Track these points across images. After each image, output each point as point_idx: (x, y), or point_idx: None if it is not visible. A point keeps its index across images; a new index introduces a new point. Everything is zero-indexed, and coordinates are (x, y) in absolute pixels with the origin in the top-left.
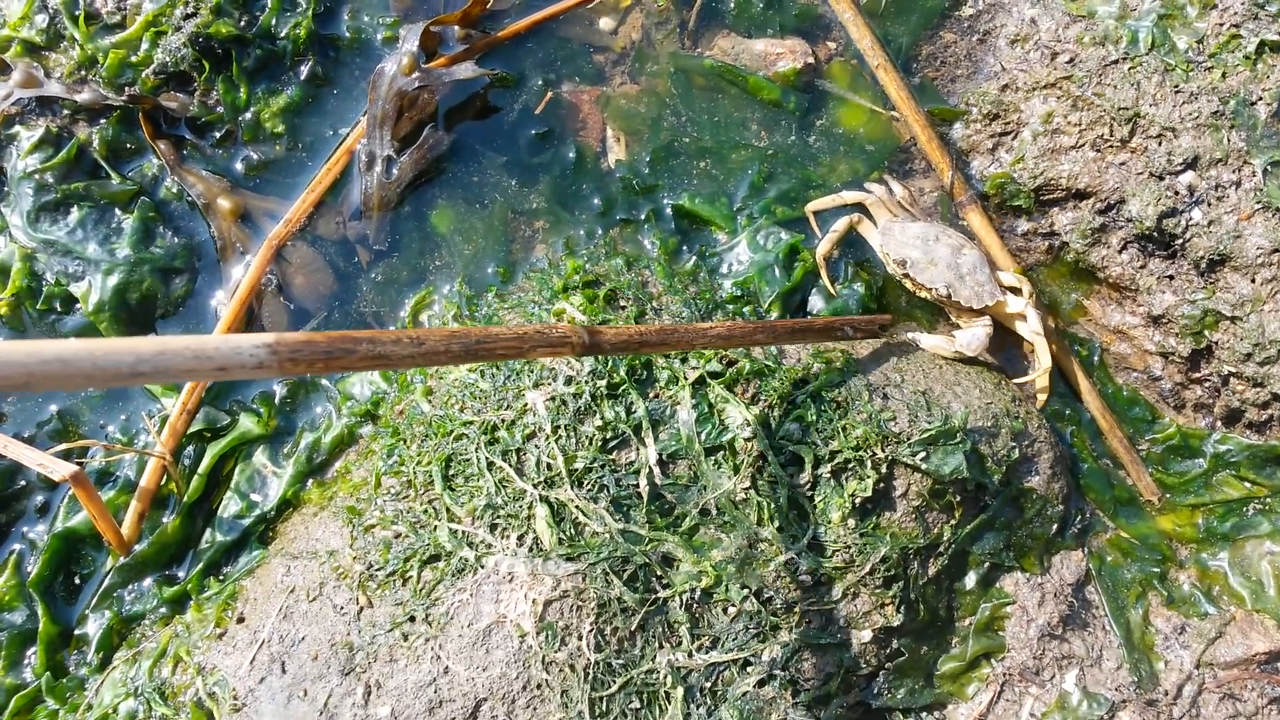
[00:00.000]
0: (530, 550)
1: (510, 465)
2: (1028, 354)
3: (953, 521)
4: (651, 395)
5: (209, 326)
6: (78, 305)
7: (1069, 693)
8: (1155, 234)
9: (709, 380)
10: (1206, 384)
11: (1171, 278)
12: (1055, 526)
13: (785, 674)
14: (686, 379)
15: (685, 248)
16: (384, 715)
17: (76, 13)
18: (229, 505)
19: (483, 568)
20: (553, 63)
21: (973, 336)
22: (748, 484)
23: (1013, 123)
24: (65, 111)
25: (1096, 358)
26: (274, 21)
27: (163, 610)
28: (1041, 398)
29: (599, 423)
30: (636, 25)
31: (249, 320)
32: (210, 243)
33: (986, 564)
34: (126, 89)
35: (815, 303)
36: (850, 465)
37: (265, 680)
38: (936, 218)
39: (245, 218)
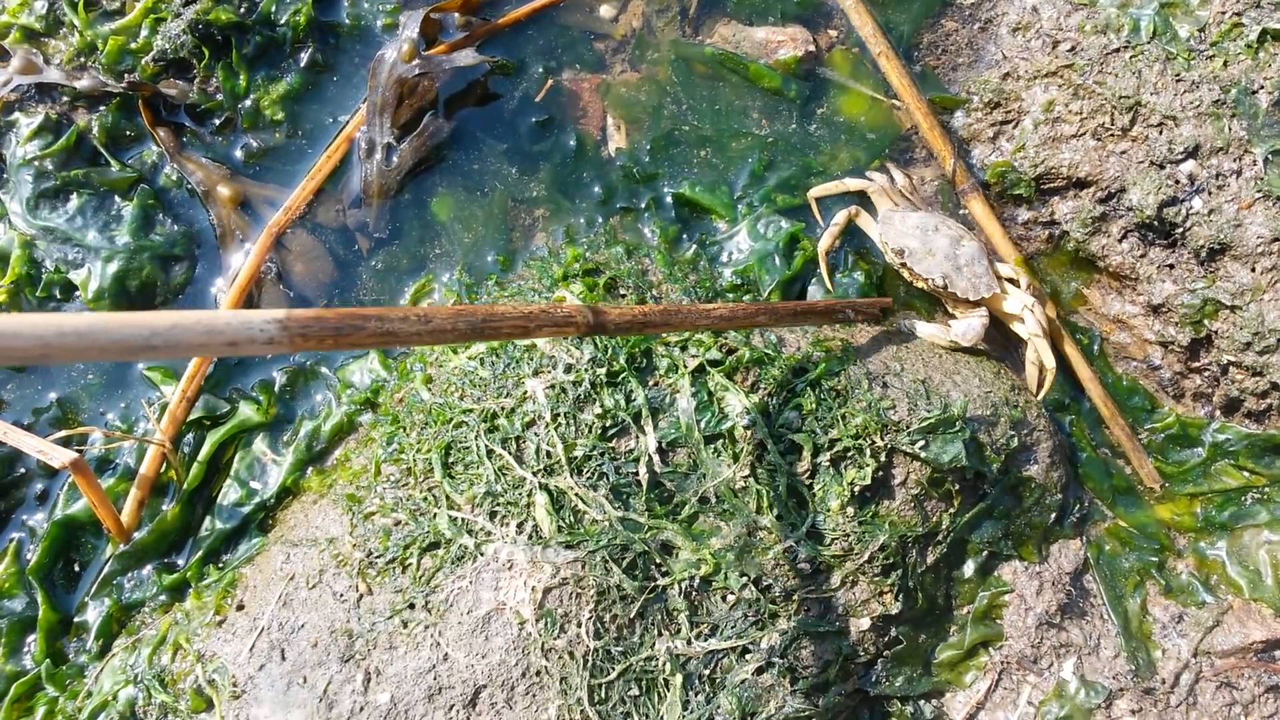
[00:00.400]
0: (530, 538)
1: (510, 453)
2: (1023, 353)
3: (951, 510)
4: (651, 383)
5: None
6: (77, 293)
7: (1067, 681)
8: (1156, 223)
9: (708, 368)
10: (1206, 373)
11: (1172, 267)
12: (1054, 515)
13: (784, 661)
14: (686, 367)
15: (685, 236)
16: (383, 702)
17: None
18: (229, 493)
19: (482, 555)
20: (553, 50)
21: (968, 327)
22: (747, 472)
23: (1014, 111)
24: (65, 98)
25: (1096, 347)
26: (274, 8)
27: (162, 598)
28: (1040, 395)
29: (599, 410)
30: (637, 12)
31: (248, 308)
32: (210, 230)
33: (985, 552)
34: (126, 76)
35: (815, 292)
36: (849, 453)
37: (265, 667)
38: (937, 207)
39: (245, 205)
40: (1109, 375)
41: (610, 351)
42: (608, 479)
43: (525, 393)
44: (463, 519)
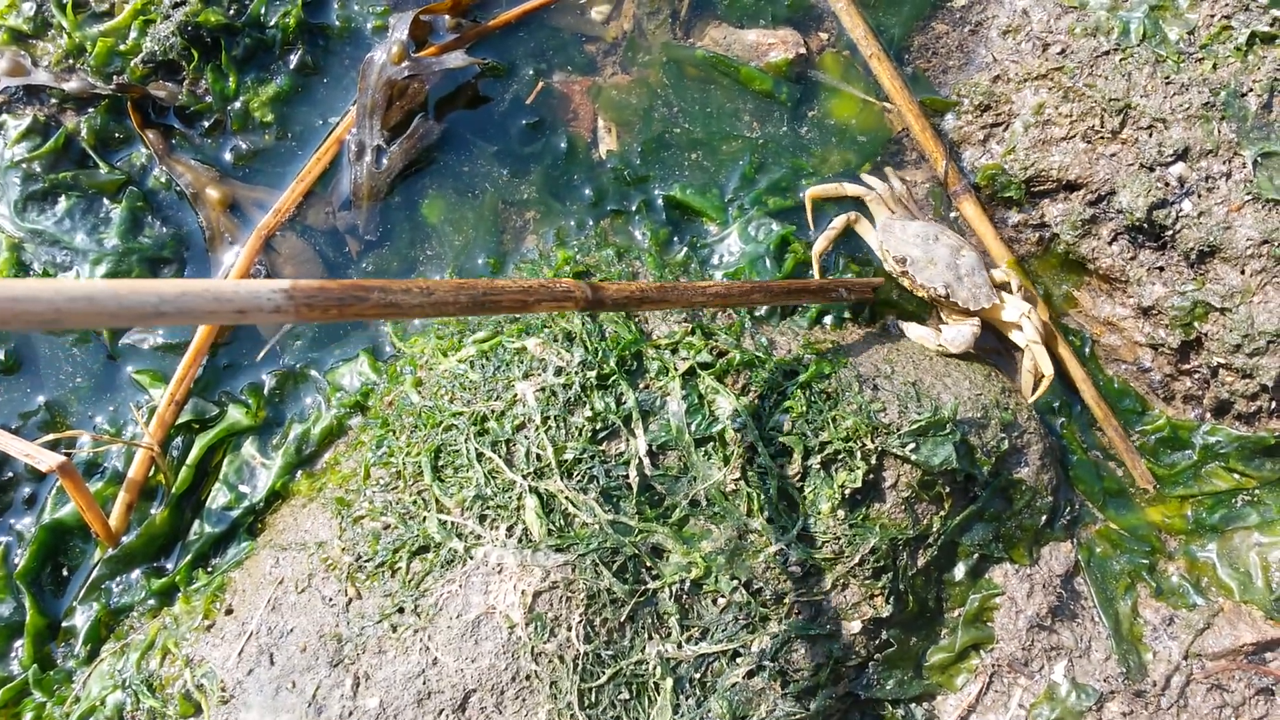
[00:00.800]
0: (519, 541)
1: (500, 456)
2: (1019, 360)
3: (942, 513)
4: (641, 386)
5: None
6: None
7: (1058, 684)
8: (1145, 225)
9: (699, 371)
10: (1196, 375)
11: (1161, 269)
12: (1044, 518)
13: (774, 665)
14: (677, 370)
15: (676, 239)
16: (372, 707)
17: (64, 0)
18: (217, 497)
19: (472, 559)
20: (544, 52)
21: (958, 334)
22: (737, 475)
23: (1004, 114)
24: (53, 100)
25: (1087, 349)
26: (263, 10)
27: (151, 602)
28: (1033, 399)
29: (589, 414)
30: (628, 15)
31: None
32: (199, 233)
33: (975, 555)
34: (115, 78)
35: None
36: (840, 456)
37: (253, 672)
38: (930, 211)
39: (234, 207)
40: (1100, 377)
41: (601, 354)
42: (598, 482)
43: (515, 395)
44: (452, 522)
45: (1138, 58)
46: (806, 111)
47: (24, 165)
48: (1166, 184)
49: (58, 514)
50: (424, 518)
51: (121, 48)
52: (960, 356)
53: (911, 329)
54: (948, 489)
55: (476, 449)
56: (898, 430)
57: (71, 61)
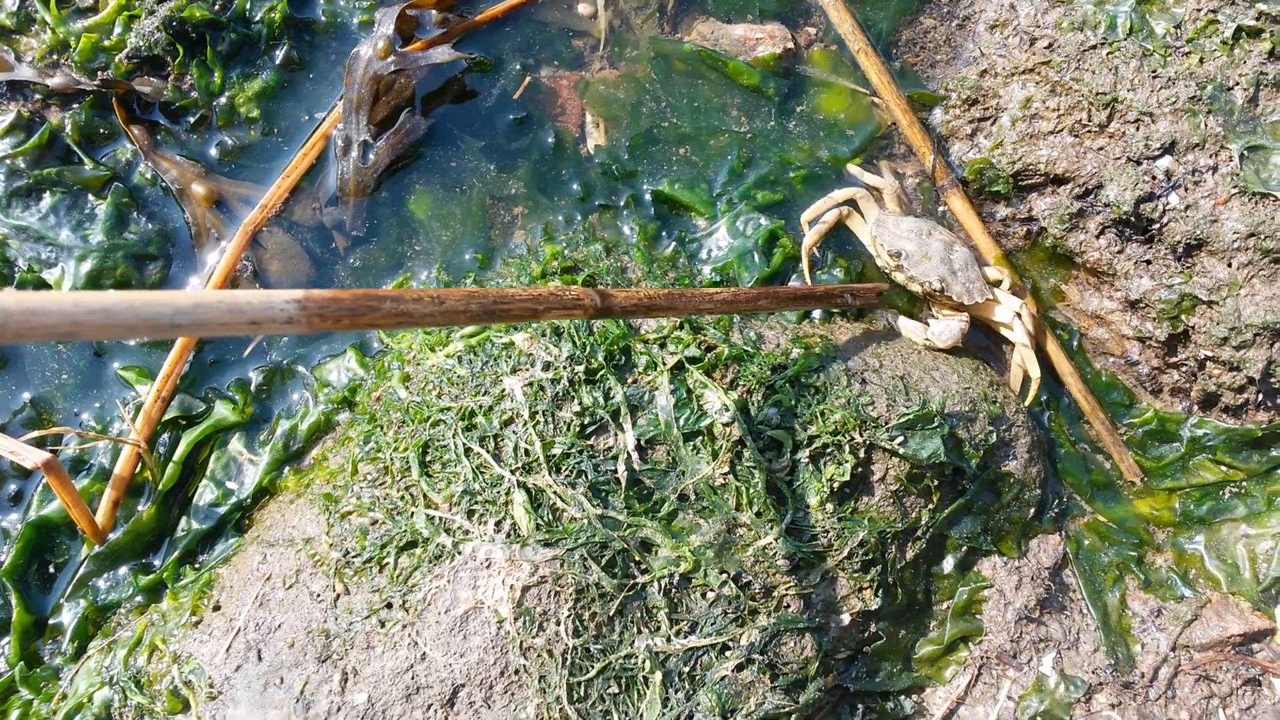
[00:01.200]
0: (508, 536)
1: (488, 451)
2: (1008, 355)
3: (930, 506)
4: (630, 380)
5: None
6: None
7: (1046, 675)
8: (1133, 219)
9: (687, 365)
10: (1183, 368)
11: (1149, 262)
12: (1032, 510)
13: (764, 658)
14: (665, 364)
15: (664, 233)
16: (361, 702)
17: None
18: (205, 493)
19: (460, 554)
20: (531, 47)
21: (945, 329)
22: (726, 469)
23: (991, 108)
24: (37, 96)
25: (1075, 342)
26: (249, 5)
27: (138, 599)
28: (1027, 402)
29: (577, 408)
30: (616, 9)
31: None
32: (185, 229)
33: (964, 548)
34: (99, 73)
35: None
36: (829, 450)
37: (241, 668)
38: (919, 206)
39: (220, 203)
40: (1087, 370)
41: (589, 349)
42: (586, 477)
43: (503, 390)
44: (440, 518)
45: (1124, 52)
46: (795, 106)
47: (8, 161)
48: (1153, 177)
49: (44, 511)
50: (412, 513)
51: (106, 43)
52: (948, 351)
53: (903, 322)
54: (936, 482)
55: (464, 444)
56: (886, 424)
57: (56, 57)
